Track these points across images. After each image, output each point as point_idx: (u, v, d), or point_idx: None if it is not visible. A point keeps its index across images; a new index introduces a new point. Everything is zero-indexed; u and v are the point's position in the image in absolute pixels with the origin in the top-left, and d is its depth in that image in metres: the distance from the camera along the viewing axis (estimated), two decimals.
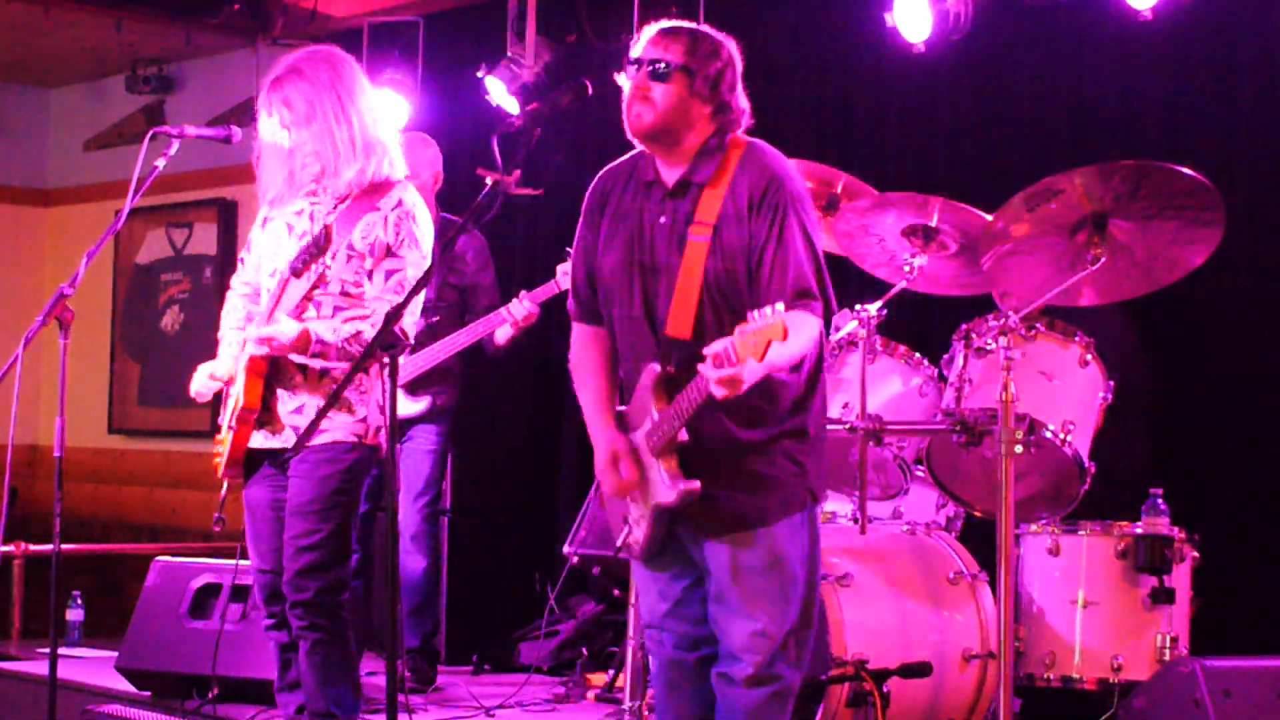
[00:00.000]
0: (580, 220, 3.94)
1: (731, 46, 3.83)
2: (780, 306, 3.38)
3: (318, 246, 4.36)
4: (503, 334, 5.93)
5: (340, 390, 4.16)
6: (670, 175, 3.80)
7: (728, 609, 3.77)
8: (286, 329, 4.33)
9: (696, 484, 3.68)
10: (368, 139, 4.44)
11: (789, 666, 3.78)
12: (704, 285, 3.69)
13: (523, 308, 5.84)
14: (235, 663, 5.29)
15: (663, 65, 3.74)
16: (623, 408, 3.85)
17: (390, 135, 4.58)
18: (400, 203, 4.43)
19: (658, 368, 3.72)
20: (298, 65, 4.47)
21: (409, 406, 5.94)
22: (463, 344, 5.93)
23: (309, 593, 4.38)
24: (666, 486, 3.70)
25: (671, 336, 3.70)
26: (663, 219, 3.77)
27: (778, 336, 3.37)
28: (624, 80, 3.82)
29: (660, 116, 3.75)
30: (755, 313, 3.39)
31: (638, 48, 3.81)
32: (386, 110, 4.63)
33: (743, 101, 3.84)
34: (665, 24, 3.83)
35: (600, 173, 3.96)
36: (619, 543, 3.91)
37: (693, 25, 3.86)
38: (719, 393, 3.46)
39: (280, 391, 4.42)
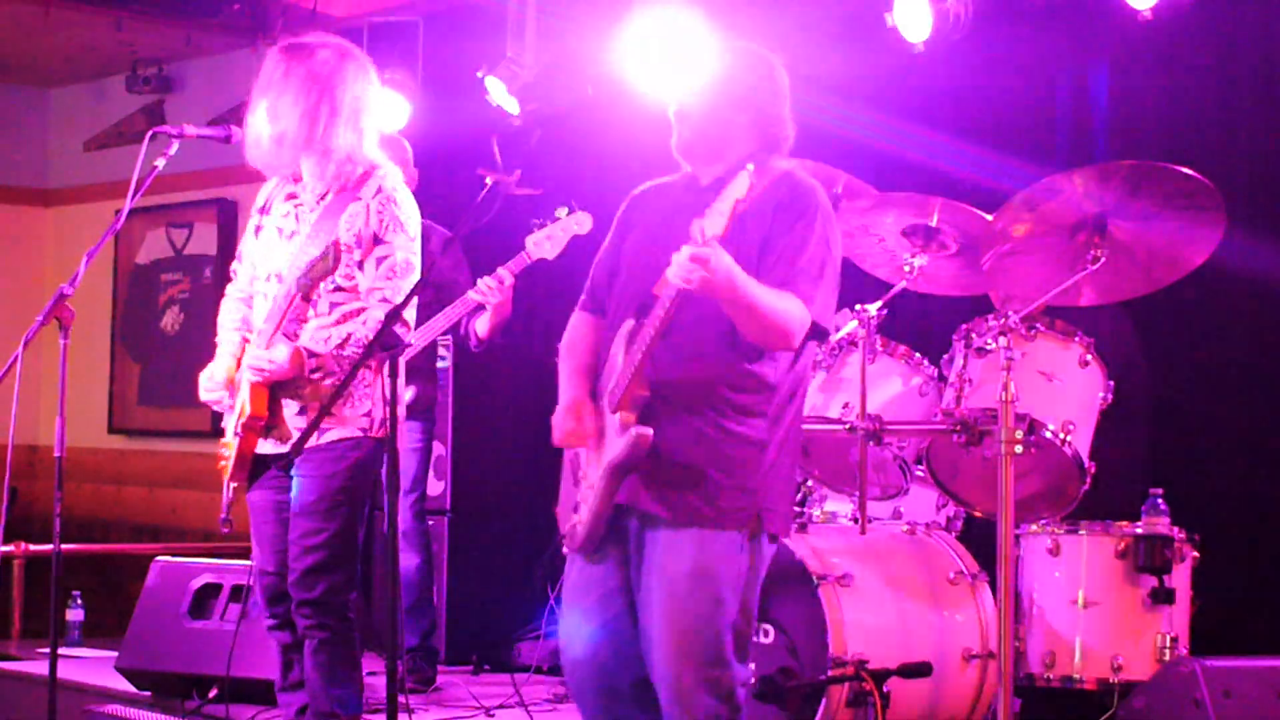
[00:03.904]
0: (614, 225, 3.94)
1: (774, 62, 3.83)
2: (750, 166, 3.33)
3: (325, 263, 4.35)
4: (483, 325, 5.89)
5: (336, 395, 4.15)
6: (706, 178, 3.80)
7: (650, 615, 3.62)
8: (279, 355, 4.35)
9: (648, 430, 3.56)
10: (347, 128, 4.42)
11: (721, 702, 3.59)
12: None
13: (490, 280, 5.74)
14: (235, 663, 5.28)
15: (701, 81, 3.76)
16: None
17: (372, 130, 4.53)
18: (380, 189, 4.44)
19: (632, 321, 3.67)
20: (312, 42, 4.51)
21: None
22: (437, 332, 5.90)
23: (316, 592, 4.37)
24: (617, 436, 3.60)
25: (656, 293, 3.60)
26: (684, 209, 3.73)
27: (740, 193, 3.30)
28: (668, 100, 3.82)
29: (697, 131, 3.76)
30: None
31: (678, 64, 3.82)
32: (381, 108, 4.61)
33: (788, 121, 3.82)
34: (704, 39, 3.83)
35: (643, 184, 3.96)
36: (563, 531, 3.82)
37: (734, 40, 3.89)
38: (684, 274, 3.35)
39: (284, 399, 4.43)
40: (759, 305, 3.51)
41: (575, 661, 3.80)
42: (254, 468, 4.48)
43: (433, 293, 6.05)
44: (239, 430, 4.44)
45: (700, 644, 3.60)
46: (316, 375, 4.39)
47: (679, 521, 3.63)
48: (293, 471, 4.41)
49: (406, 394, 5.95)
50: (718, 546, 3.63)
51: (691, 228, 3.35)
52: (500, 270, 5.74)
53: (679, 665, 3.60)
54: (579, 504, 3.79)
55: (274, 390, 4.42)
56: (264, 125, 4.48)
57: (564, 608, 3.87)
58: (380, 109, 4.61)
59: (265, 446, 4.46)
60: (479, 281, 5.76)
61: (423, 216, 5.94)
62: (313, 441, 4.31)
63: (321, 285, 4.39)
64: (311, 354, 4.36)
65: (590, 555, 3.78)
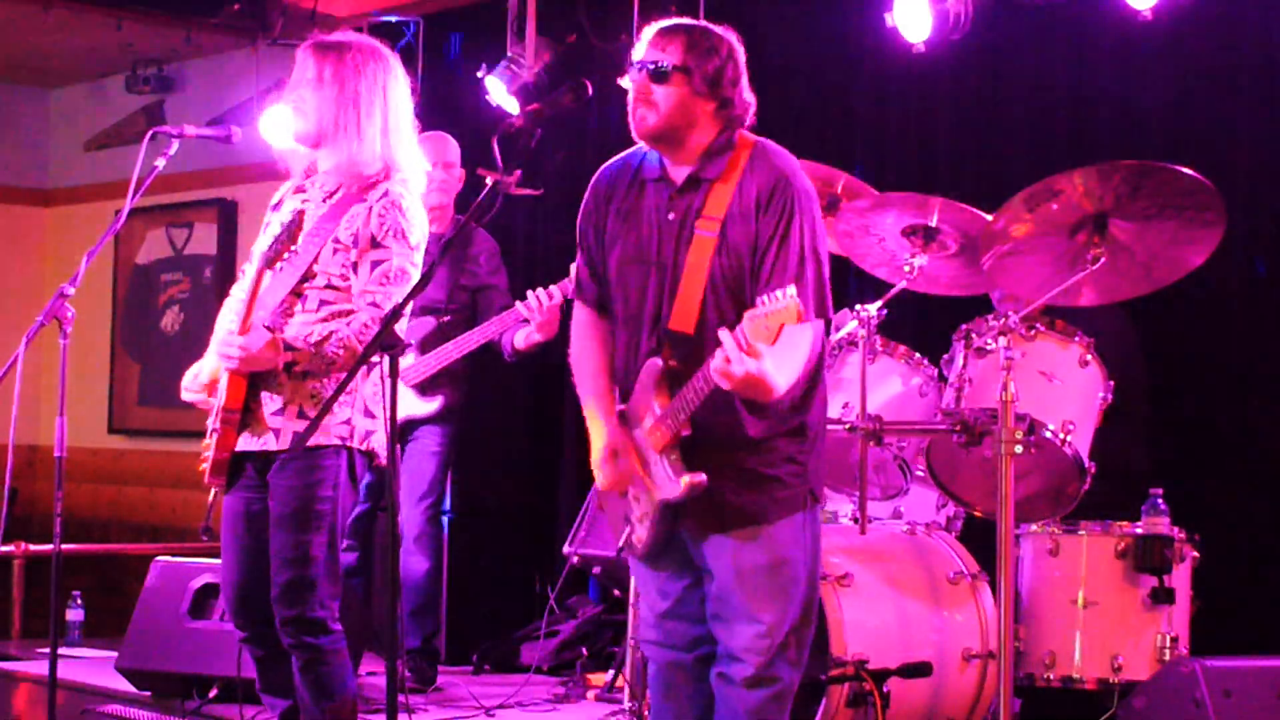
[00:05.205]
0: (581, 215, 3.93)
1: (732, 40, 3.82)
2: (792, 290, 3.36)
3: (288, 234, 4.31)
4: (523, 338, 5.85)
5: (337, 394, 4.07)
6: (678, 173, 3.80)
7: (729, 608, 3.76)
8: (253, 340, 4.26)
9: (702, 476, 3.65)
10: (368, 130, 4.40)
11: (789, 666, 3.78)
12: (709, 281, 3.69)
13: (542, 295, 5.65)
14: (235, 663, 5.27)
15: (661, 66, 3.74)
16: (622, 406, 3.83)
17: (401, 138, 4.49)
18: (386, 193, 4.36)
19: (659, 363, 3.70)
20: (347, 40, 4.47)
21: (421, 406, 5.93)
22: (474, 344, 5.90)
23: (297, 608, 4.28)
24: (671, 481, 3.68)
25: (674, 331, 3.70)
26: (671, 215, 3.77)
27: (791, 319, 3.35)
28: (627, 83, 3.82)
29: (663, 118, 3.75)
30: (765, 296, 3.38)
31: (638, 50, 3.81)
32: (409, 109, 4.58)
33: (748, 95, 3.83)
34: (662, 24, 3.82)
35: (601, 168, 3.95)
36: (621, 542, 3.89)
37: (690, 22, 3.86)
38: (724, 384, 3.44)
39: (263, 393, 4.33)
40: (788, 390, 3.60)
41: (647, 639, 4.00)
42: (232, 468, 4.37)
43: (468, 296, 6.05)
44: (216, 426, 4.33)
45: (778, 623, 3.75)
46: (295, 369, 4.29)
47: (744, 525, 3.75)
48: (268, 478, 4.32)
49: (433, 404, 5.95)
50: (785, 534, 3.77)
51: (737, 333, 3.38)
52: (552, 287, 5.68)
53: (759, 644, 3.74)
54: (631, 518, 3.85)
55: (252, 384, 4.32)
56: (290, 120, 4.46)
57: (636, 589, 4.08)
58: (408, 112, 4.54)
59: (241, 442, 4.34)
60: (529, 295, 5.71)
61: (470, 223, 5.88)
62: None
63: (311, 280, 4.33)
64: (289, 346, 4.26)
65: (652, 561, 3.90)
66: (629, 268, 3.81)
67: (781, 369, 3.51)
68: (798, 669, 3.81)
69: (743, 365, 3.39)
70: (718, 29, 3.83)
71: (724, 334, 3.41)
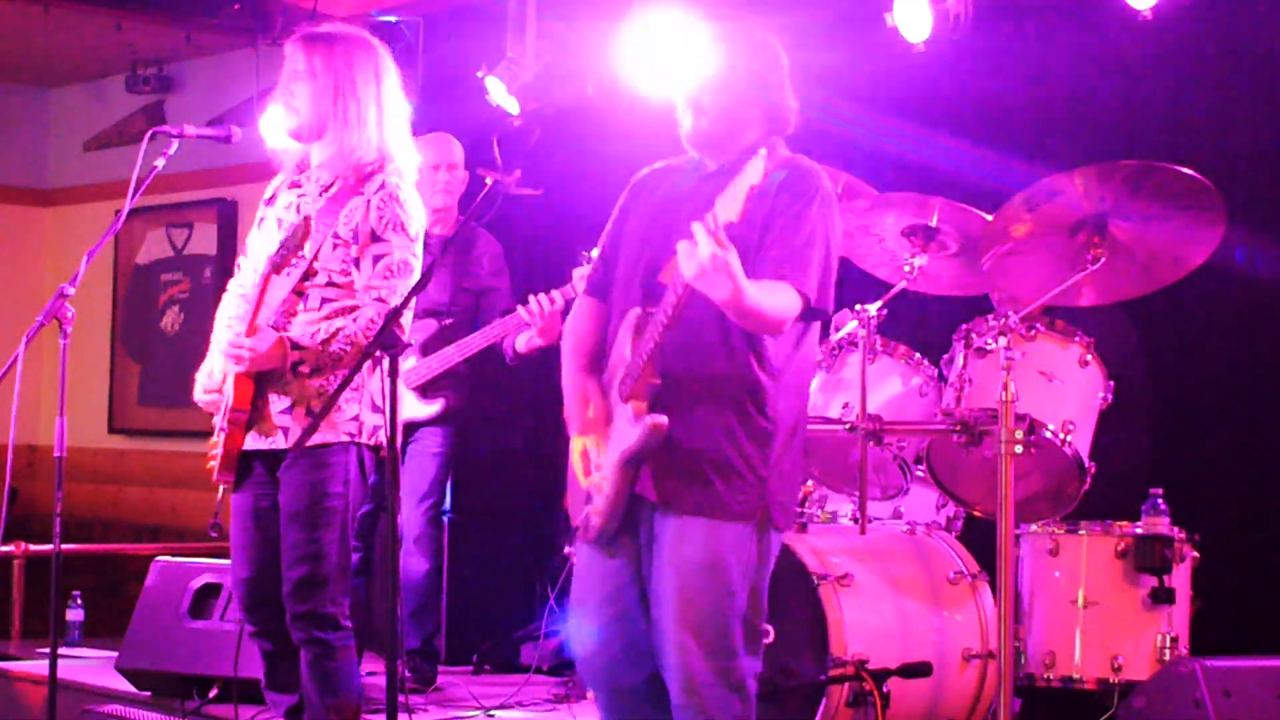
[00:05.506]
0: (617, 208, 3.93)
1: (775, 41, 3.83)
2: (763, 150, 3.32)
3: (295, 239, 4.31)
4: (524, 342, 5.84)
5: (339, 392, 4.09)
6: (713, 164, 3.81)
7: (662, 611, 3.64)
8: (260, 341, 4.27)
9: (663, 417, 3.56)
10: (364, 119, 4.39)
11: (735, 696, 3.62)
12: None
13: (543, 299, 5.64)
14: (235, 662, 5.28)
15: (708, 69, 3.74)
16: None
17: (395, 126, 4.49)
18: (383, 185, 4.36)
19: (638, 310, 3.66)
20: (335, 31, 4.49)
21: (422, 409, 5.93)
22: (477, 347, 5.90)
23: (309, 604, 4.30)
24: (631, 425, 3.60)
25: (662, 282, 3.61)
26: (691, 194, 3.75)
27: (756, 178, 3.29)
28: (675, 89, 3.81)
29: (714, 121, 3.76)
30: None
31: (682, 54, 3.81)
32: (400, 101, 4.57)
33: (791, 100, 3.83)
34: (708, 26, 3.82)
35: (647, 168, 3.95)
36: (577, 522, 3.79)
37: (735, 25, 3.86)
38: (688, 268, 3.34)
39: (270, 393, 4.34)
40: (754, 308, 3.50)
41: (587, 657, 3.82)
42: (240, 466, 4.38)
43: (471, 299, 6.04)
44: (224, 426, 4.35)
45: (711, 635, 3.61)
46: (302, 369, 4.30)
47: (690, 511, 3.64)
48: (278, 474, 4.34)
49: (434, 406, 5.95)
50: (727, 536, 3.64)
51: (705, 217, 3.33)
52: (554, 292, 5.66)
53: (690, 656, 3.60)
54: (591, 494, 3.77)
55: (259, 384, 4.33)
56: (281, 113, 4.46)
57: (575, 601, 3.86)
58: (400, 101, 4.53)
59: (249, 441, 4.36)
60: (530, 299, 5.71)
61: (473, 223, 5.87)
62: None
63: (312, 278, 4.33)
64: (296, 346, 4.27)
65: (604, 547, 3.77)
66: (642, 237, 3.79)
67: (754, 286, 3.43)
68: (746, 700, 3.64)
69: (709, 245, 3.29)
70: (761, 31, 3.84)
71: (695, 224, 3.34)
